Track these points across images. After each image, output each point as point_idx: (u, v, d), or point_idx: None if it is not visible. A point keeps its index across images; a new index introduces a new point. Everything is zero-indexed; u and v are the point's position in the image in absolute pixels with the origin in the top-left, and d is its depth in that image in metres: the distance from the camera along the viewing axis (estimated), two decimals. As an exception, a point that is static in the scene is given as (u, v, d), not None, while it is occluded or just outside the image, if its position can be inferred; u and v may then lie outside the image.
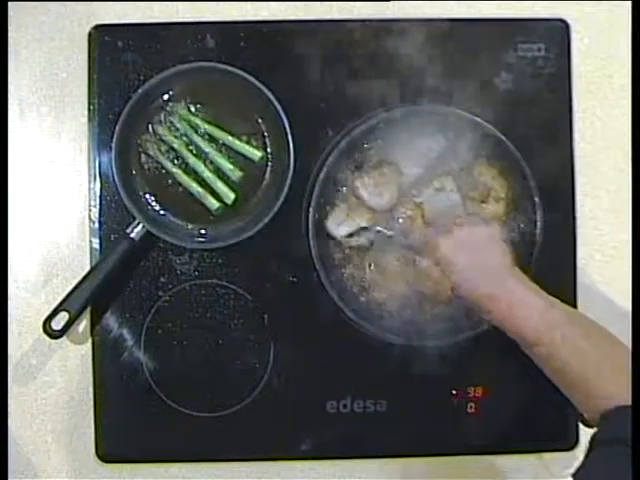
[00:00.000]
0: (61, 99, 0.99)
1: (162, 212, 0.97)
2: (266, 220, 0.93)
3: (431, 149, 0.96)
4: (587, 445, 0.75)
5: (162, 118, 0.97)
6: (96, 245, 0.97)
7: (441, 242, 0.89)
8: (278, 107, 0.93)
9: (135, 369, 0.97)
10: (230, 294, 0.98)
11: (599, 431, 0.75)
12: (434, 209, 0.95)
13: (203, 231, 0.97)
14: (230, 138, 0.96)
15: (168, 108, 0.96)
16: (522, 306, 0.83)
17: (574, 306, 0.98)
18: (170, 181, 0.97)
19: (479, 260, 0.87)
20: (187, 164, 0.97)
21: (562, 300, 0.87)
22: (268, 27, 0.99)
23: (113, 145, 0.93)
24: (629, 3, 0.96)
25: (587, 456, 0.72)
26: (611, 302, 0.99)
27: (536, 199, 0.94)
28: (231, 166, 0.96)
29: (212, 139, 0.97)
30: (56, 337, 0.93)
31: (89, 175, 0.98)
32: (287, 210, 0.94)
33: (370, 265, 0.95)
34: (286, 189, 0.93)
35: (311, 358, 0.97)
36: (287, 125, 0.93)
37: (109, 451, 0.97)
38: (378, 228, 0.95)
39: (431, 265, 0.94)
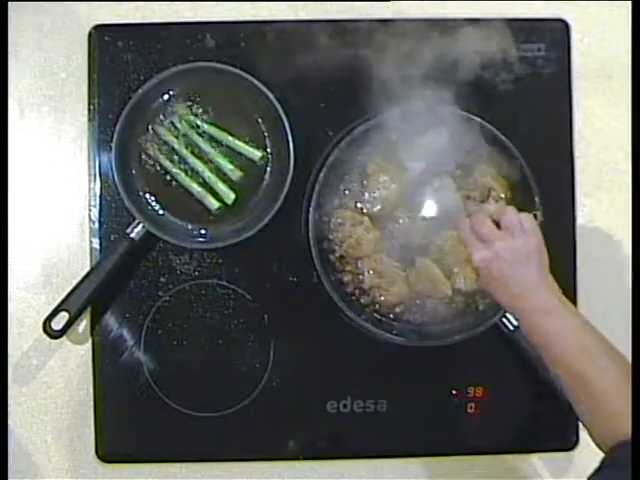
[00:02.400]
0: (61, 99, 0.99)
1: (162, 212, 0.97)
2: (266, 220, 0.93)
3: (431, 149, 0.96)
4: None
5: (162, 118, 0.97)
6: (96, 245, 0.97)
7: (478, 252, 0.86)
8: (278, 107, 0.93)
9: (135, 369, 0.97)
10: (230, 294, 0.98)
11: (612, 453, 0.73)
12: (434, 209, 0.95)
13: (203, 231, 0.97)
14: (230, 138, 0.96)
15: (168, 108, 0.96)
16: (556, 320, 0.82)
17: (574, 306, 0.98)
18: (170, 181, 0.97)
19: (517, 272, 0.84)
20: (187, 164, 0.97)
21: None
22: (268, 27, 0.99)
23: (113, 145, 0.93)
24: (629, 3, 0.96)
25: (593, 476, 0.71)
26: (611, 302, 0.99)
27: (536, 199, 0.94)
28: (231, 166, 0.96)
29: (212, 139, 0.97)
30: (56, 337, 0.93)
31: (89, 175, 0.98)
32: (287, 210, 0.94)
33: (369, 266, 0.95)
34: (286, 189, 0.93)
35: (311, 358, 0.97)
36: (287, 125, 0.93)
37: (109, 451, 0.97)
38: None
39: (430, 265, 0.94)
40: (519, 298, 0.84)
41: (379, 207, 0.95)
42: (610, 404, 0.76)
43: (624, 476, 0.67)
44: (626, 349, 0.78)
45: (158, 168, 0.97)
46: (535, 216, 0.92)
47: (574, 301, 0.98)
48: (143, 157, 0.97)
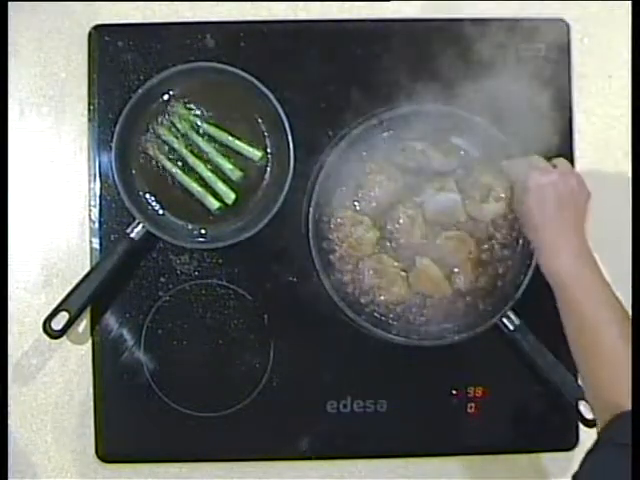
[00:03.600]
0: (61, 99, 0.99)
1: (162, 212, 0.97)
2: (266, 220, 0.93)
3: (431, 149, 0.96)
4: (592, 444, 0.74)
5: (162, 118, 0.97)
6: (96, 245, 0.97)
7: (535, 175, 0.87)
8: (278, 107, 0.93)
9: (135, 369, 0.97)
10: (230, 294, 0.98)
11: (609, 429, 0.74)
12: (434, 209, 0.95)
13: (203, 231, 0.97)
14: (230, 138, 0.96)
15: (168, 108, 0.96)
16: (583, 267, 0.84)
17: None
18: (170, 181, 0.97)
19: (564, 206, 0.86)
20: (187, 164, 0.97)
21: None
22: (268, 27, 0.99)
23: (113, 145, 0.93)
24: (629, 3, 0.96)
25: (589, 454, 0.72)
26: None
27: (536, 199, 0.94)
28: (231, 166, 0.96)
29: (212, 139, 0.97)
30: (56, 337, 0.93)
31: (89, 175, 0.98)
32: (287, 210, 0.94)
33: (369, 266, 0.95)
34: (286, 189, 0.93)
35: (311, 358, 0.97)
36: (287, 125, 0.93)
37: (109, 451, 0.97)
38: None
39: (430, 265, 0.95)
40: (562, 233, 0.85)
41: (379, 207, 0.95)
42: (612, 359, 0.78)
43: (623, 454, 0.68)
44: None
45: (158, 168, 0.97)
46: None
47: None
48: (143, 157, 0.97)
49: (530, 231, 0.89)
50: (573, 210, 0.87)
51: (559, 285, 0.84)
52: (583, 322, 0.81)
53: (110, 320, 0.97)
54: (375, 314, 0.96)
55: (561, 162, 0.91)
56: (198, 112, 0.97)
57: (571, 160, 1.00)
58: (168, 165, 0.96)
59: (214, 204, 0.96)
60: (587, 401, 0.86)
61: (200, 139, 0.96)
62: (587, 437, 0.98)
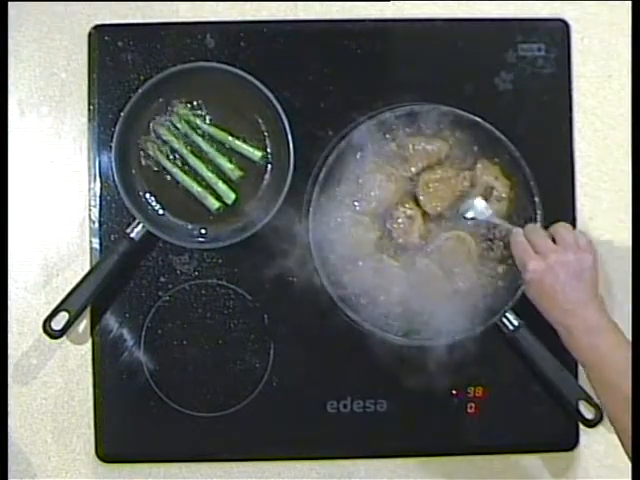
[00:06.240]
0: (61, 99, 0.99)
1: (162, 212, 0.97)
2: (266, 220, 0.93)
3: (432, 149, 0.96)
4: None
5: (162, 118, 0.97)
6: (96, 245, 0.97)
7: (532, 263, 0.86)
8: (278, 107, 0.93)
9: (135, 369, 0.97)
10: (230, 294, 0.98)
11: None
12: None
13: (203, 231, 0.97)
14: (230, 138, 0.96)
15: (168, 108, 0.96)
16: (605, 342, 0.82)
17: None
18: (170, 181, 0.97)
19: (569, 287, 0.84)
20: (187, 164, 0.97)
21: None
22: (268, 27, 0.99)
23: (113, 145, 0.93)
24: (629, 3, 0.96)
25: None
26: (611, 302, 0.99)
27: (536, 199, 0.94)
28: (231, 166, 0.96)
29: (212, 139, 0.97)
30: (56, 337, 0.93)
31: (89, 175, 0.98)
32: (287, 210, 0.94)
33: (369, 266, 0.95)
34: (286, 189, 0.93)
35: (311, 358, 0.97)
36: (287, 125, 0.93)
37: (109, 451, 0.97)
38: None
39: (430, 265, 0.94)
40: (569, 314, 0.84)
41: (379, 207, 0.95)
42: None
43: None
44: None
45: (158, 168, 0.97)
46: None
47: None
48: (143, 157, 0.97)
49: (543, 315, 0.88)
50: (577, 286, 0.85)
51: (582, 363, 0.84)
52: (623, 399, 0.78)
53: (110, 320, 0.97)
54: (375, 314, 0.96)
55: (561, 230, 0.89)
56: (198, 112, 0.97)
57: (571, 160, 1.00)
58: (168, 165, 0.96)
59: (214, 204, 0.96)
60: (589, 402, 0.84)
61: (200, 139, 0.96)
62: (587, 437, 0.98)
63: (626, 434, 0.78)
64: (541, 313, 0.88)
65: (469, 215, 0.94)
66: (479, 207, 0.94)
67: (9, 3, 0.94)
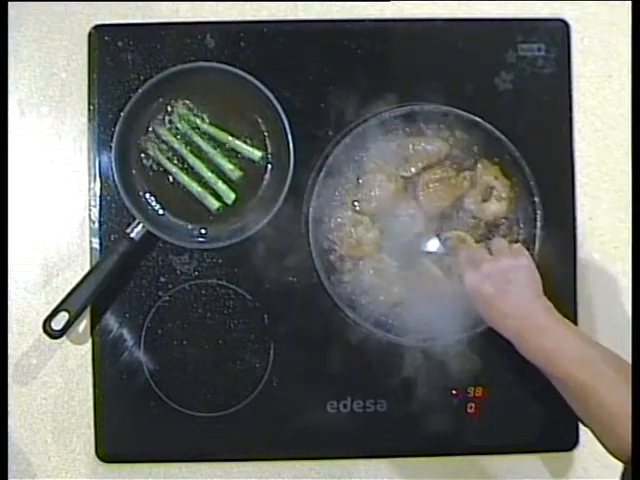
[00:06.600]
0: (61, 99, 0.99)
1: (162, 212, 0.97)
2: (266, 220, 0.93)
3: (432, 149, 0.96)
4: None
5: (162, 118, 0.97)
6: (96, 245, 0.97)
7: (468, 275, 0.87)
8: (278, 107, 0.93)
9: (135, 369, 0.97)
10: (230, 294, 0.98)
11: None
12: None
13: (203, 231, 0.97)
14: (230, 138, 0.96)
15: (168, 108, 0.96)
16: (552, 337, 0.82)
17: (574, 306, 0.98)
18: (170, 181, 0.97)
19: (507, 292, 0.85)
20: (187, 164, 0.97)
21: (562, 300, 0.88)
22: (268, 27, 0.99)
23: (113, 145, 0.93)
24: (629, 3, 0.96)
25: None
26: (611, 302, 0.99)
27: (536, 199, 0.94)
28: (231, 166, 0.96)
29: (212, 139, 0.97)
30: (56, 337, 0.93)
31: (89, 175, 0.98)
32: (287, 210, 0.94)
33: (369, 266, 0.95)
34: (286, 189, 0.93)
35: (311, 358, 0.97)
36: (287, 125, 0.93)
37: (109, 451, 0.97)
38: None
39: (430, 265, 0.95)
40: (512, 318, 0.84)
41: (379, 207, 0.95)
42: (613, 410, 0.76)
43: None
44: (627, 351, 0.79)
45: (158, 168, 0.97)
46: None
47: (574, 301, 0.98)
48: (143, 157, 0.97)
49: (492, 326, 0.87)
50: (514, 289, 0.85)
51: (536, 364, 0.84)
52: (577, 389, 0.79)
53: (110, 320, 0.97)
54: (375, 314, 0.96)
55: (494, 241, 0.91)
56: (198, 112, 0.97)
57: (571, 160, 1.00)
58: (168, 165, 0.96)
59: (214, 204, 0.96)
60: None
61: (200, 139, 0.96)
62: (587, 437, 0.98)
63: (585, 417, 0.80)
64: (491, 327, 0.88)
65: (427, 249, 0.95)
66: (436, 245, 0.95)
67: (9, 3, 0.94)
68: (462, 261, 0.90)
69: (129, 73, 0.98)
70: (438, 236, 0.95)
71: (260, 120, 0.97)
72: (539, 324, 0.84)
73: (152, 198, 0.97)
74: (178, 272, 0.98)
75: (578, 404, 0.81)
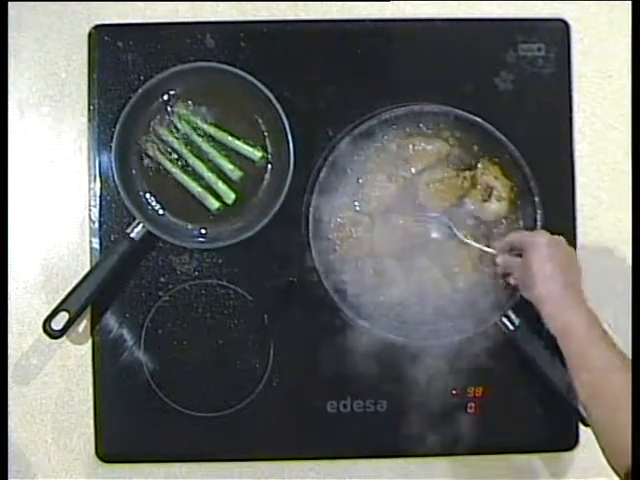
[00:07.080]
0: (61, 99, 0.99)
1: (162, 212, 0.97)
2: (266, 220, 0.93)
3: (432, 149, 0.96)
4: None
5: (162, 118, 0.97)
6: (96, 245, 0.97)
7: (539, 235, 0.88)
8: (278, 107, 0.93)
9: (135, 369, 0.97)
10: (230, 294, 0.98)
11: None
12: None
13: (203, 231, 0.97)
14: (230, 138, 0.96)
15: (168, 108, 0.96)
16: (575, 315, 0.84)
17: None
18: (170, 181, 0.97)
19: (562, 273, 0.86)
20: (187, 164, 0.97)
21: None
22: (268, 27, 0.99)
23: (113, 145, 0.93)
24: (629, 3, 0.96)
25: None
26: (611, 302, 0.99)
27: (536, 199, 0.94)
28: (231, 166, 0.96)
29: (212, 139, 0.97)
30: (56, 337, 0.93)
31: (89, 175, 0.98)
32: (287, 210, 0.94)
33: (369, 266, 0.95)
34: (286, 189, 0.93)
35: (311, 358, 0.97)
36: (287, 125, 0.93)
37: (109, 451, 0.97)
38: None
39: (430, 265, 0.94)
40: (566, 285, 0.85)
41: (379, 207, 0.95)
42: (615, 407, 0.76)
43: None
44: (627, 352, 0.79)
45: (158, 168, 0.97)
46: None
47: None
48: (143, 157, 0.97)
49: (537, 285, 0.86)
50: (575, 269, 0.88)
51: (570, 335, 0.83)
52: (590, 372, 0.80)
53: (110, 320, 0.97)
54: (375, 314, 0.96)
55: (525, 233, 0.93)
56: (198, 112, 0.97)
57: (571, 160, 1.00)
58: (168, 165, 0.96)
59: (214, 204, 0.96)
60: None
61: (200, 139, 0.96)
62: (587, 437, 0.98)
63: (589, 410, 0.80)
64: (532, 287, 0.87)
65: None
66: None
67: (9, 3, 0.94)
68: (517, 233, 0.91)
69: (129, 73, 0.98)
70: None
71: (260, 120, 0.97)
72: (583, 305, 0.85)
73: (152, 198, 0.97)
74: (178, 272, 0.98)
75: (581, 382, 0.81)
